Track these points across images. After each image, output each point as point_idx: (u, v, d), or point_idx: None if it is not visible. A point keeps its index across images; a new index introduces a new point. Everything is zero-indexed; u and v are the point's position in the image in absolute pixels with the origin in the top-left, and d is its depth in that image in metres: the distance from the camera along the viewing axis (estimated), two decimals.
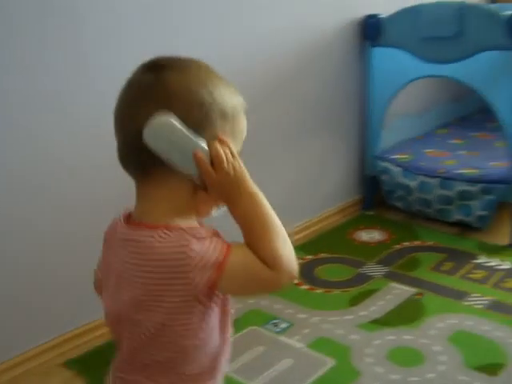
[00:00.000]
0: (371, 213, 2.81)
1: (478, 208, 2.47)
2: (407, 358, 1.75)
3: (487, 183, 2.45)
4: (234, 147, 0.82)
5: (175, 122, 0.76)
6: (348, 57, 2.65)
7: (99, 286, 0.94)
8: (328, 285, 2.18)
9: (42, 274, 1.78)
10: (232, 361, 1.01)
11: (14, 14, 1.59)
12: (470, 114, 3.46)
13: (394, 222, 2.70)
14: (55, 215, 1.77)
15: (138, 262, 0.81)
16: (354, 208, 2.83)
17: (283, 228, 0.83)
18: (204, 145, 0.79)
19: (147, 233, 0.80)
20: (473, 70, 2.41)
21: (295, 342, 1.85)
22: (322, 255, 2.41)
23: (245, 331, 1.91)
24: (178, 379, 0.87)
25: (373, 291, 2.11)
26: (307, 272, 2.27)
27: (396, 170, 2.65)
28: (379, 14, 2.61)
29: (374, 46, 2.64)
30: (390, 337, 1.84)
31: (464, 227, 2.56)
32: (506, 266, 2.26)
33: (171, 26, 1.93)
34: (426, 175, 2.56)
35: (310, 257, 2.40)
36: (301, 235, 2.53)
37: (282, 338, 1.88)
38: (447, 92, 3.29)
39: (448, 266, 2.27)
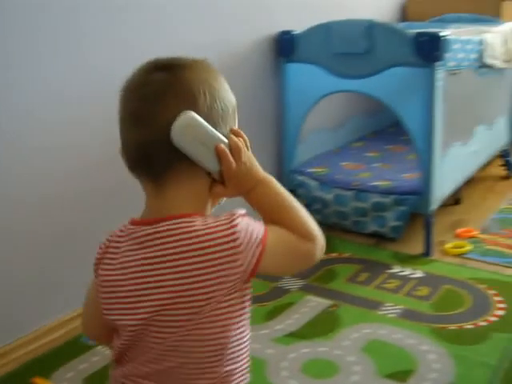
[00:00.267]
0: None
1: (391, 219, 2.54)
2: (321, 369, 1.76)
3: (399, 194, 2.53)
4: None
5: (200, 120, 0.79)
6: (263, 73, 2.68)
7: (90, 326, 0.95)
8: None
9: None
10: None
11: None
12: (385, 127, 3.57)
13: None
14: None
15: (181, 251, 0.79)
16: None
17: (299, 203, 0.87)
18: (224, 138, 0.83)
19: (181, 220, 0.80)
20: (384, 85, 2.49)
21: None
22: None
23: None
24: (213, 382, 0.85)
25: (289, 305, 2.12)
26: None
27: (312, 183, 2.69)
28: (293, 31, 2.65)
29: (289, 62, 2.69)
30: (305, 349, 1.86)
31: (379, 238, 2.62)
32: (418, 274, 2.33)
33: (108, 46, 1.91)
34: (341, 188, 2.61)
35: None
36: None
37: None
38: (362, 106, 3.38)
39: (363, 276, 2.32)
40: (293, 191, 2.80)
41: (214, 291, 0.79)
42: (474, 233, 2.73)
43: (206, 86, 0.82)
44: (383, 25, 2.46)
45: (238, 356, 0.87)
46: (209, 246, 0.78)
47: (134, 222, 0.85)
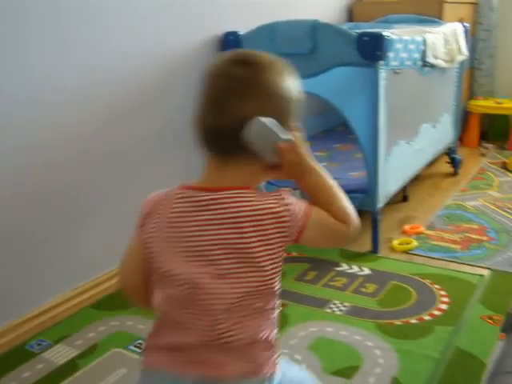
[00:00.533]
0: None
1: None
2: None
3: (346, 193, 2.52)
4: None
5: (270, 125, 0.92)
6: None
7: (129, 280, 1.03)
8: None
9: None
10: None
11: None
12: (334, 126, 3.61)
13: None
14: None
15: (241, 217, 0.92)
16: None
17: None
18: (285, 136, 0.94)
19: (240, 191, 0.94)
20: (329, 85, 2.51)
21: None
22: None
23: (107, 354, 1.86)
24: (263, 348, 0.97)
25: None
26: None
27: (260, 184, 2.69)
28: (238, 31, 2.66)
29: None
30: None
31: None
32: (365, 271, 2.36)
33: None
34: (289, 187, 2.62)
35: None
36: None
37: None
38: (310, 106, 3.39)
39: (311, 275, 2.33)
40: None
41: (264, 250, 0.93)
42: (421, 229, 2.78)
43: (280, 86, 0.94)
44: (327, 25, 2.48)
45: (275, 326, 1.01)
46: (264, 214, 0.93)
47: (190, 187, 0.99)
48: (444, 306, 2.08)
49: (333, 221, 0.99)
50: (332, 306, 2.10)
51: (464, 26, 3.46)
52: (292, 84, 0.97)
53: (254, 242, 0.93)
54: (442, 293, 2.17)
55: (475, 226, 2.81)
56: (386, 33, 2.41)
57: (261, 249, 0.93)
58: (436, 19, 3.59)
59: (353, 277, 2.31)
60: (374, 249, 2.54)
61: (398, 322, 1.99)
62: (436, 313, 2.04)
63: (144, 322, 2.03)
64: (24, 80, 1.88)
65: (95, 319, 2.07)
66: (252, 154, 0.95)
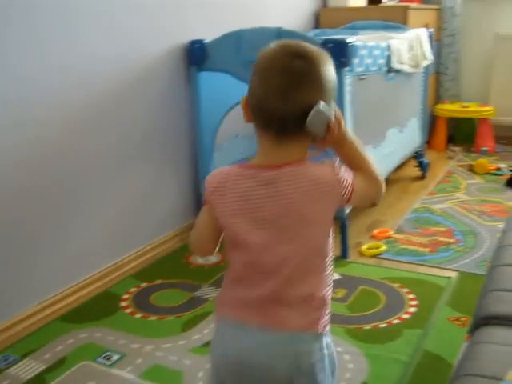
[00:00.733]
0: None
1: None
2: None
3: None
4: None
5: (324, 109, 1.06)
6: (175, 82, 2.67)
7: (203, 245, 1.19)
8: (162, 311, 2.15)
9: None
10: None
11: None
12: None
13: None
14: None
15: (302, 187, 1.07)
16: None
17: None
18: (331, 116, 1.09)
19: (299, 165, 1.08)
20: None
21: (127, 374, 1.81)
22: (158, 282, 2.38)
23: (75, 367, 1.84)
24: (318, 305, 1.11)
25: (206, 314, 2.11)
26: (142, 300, 2.24)
27: None
28: (203, 40, 2.65)
29: (201, 71, 2.68)
30: None
31: None
32: (335, 277, 2.33)
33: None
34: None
35: (144, 284, 2.36)
36: (136, 263, 2.50)
37: (114, 371, 1.82)
38: None
39: None
40: None
41: (322, 214, 1.10)
42: (390, 233, 2.80)
43: (328, 74, 1.09)
44: (291, 32, 2.49)
45: (329, 285, 1.15)
46: (322, 183, 1.08)
47: (251, 166, 1.12)
48: (412, 310, 2.09)
49: (367, 184, 1.16)
50: None
51: (428, 32, 3.51)
52: (333, 71, 1.13)
53: (313, 207, 1.08)
54: (411, 296, 2.19)
55: (443, 229, 2.84)
56: (350, 39, 2.43)
57: (320, 213, 1.10)
58: (401, 25, 3.63)
59: None
60: (343, 254, 2.55)
61: (367, 327, 1.99)
62: (405, 316, 2.05)
63: (113, 333, 2.01)
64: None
65: (64, 332, 2.04)
66: (304, 133, 1.08)
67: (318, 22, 4.05)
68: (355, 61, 2.49)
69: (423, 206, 3.20)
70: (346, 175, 1.11)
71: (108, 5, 2.26)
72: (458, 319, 2.02)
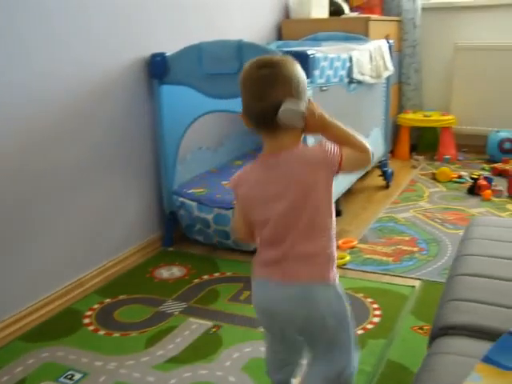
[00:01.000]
0: (172, 249, 2.81)
1: None
2: None
3: None
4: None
5: (292, 104, 1.27)
6: (137, 96, 2.65)
7: (241, 231, 1.46)
8: (125, 327, 2.12)
9: None
10: None
11: None
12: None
13: (194, 257, 2.72)
14: None
15: (298, 164, 1.31)
16: (155, 245, 2.81)
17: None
18: (304, 106, 1.31)
19: (293, 150, 1.33)
20: None
21: None
22: (121, 297, 2.35)
23: None
24: (325, 259, 1.35)
25: (170, 329, 2.09)
26: (105, 317, 2.20)
27: (192, 204, 2.68)
28: (165, 53, 2.64)
29: (162, 84, 2.67)
30: (187, 374, 1.83)
31: None
32: None
33: None
34: (221, 207, 2.62)
35: (108, 300, 2.33)
36: (99, 278, 2.46)
37: None
38: (241, 125, 3.38)
39: (245, 294, 2.32)
40: (174, 213, 2.78)
41: (321, 183, 1.32)
42: (354, 243, 2.81)
43: (294, 74, 1.32)
44: (252, 45, 2.50)
45: (334, 242, 1.37)
46: (315, 158, 1.32)
47: (259, 158, 1.37)
48: (376, 319, 2.10)
49: (356, 153, 1.35)
50: None
51: (388, 43, 3.55)
52: (300, 70, 1.36)
53: (312, 176, 1.31)
54: (375, 306, 2.20)
55: (406, 238, 2.87)
56: (311, 51, 2.45)
57: (318, 180, 1.32)
58: (362, 36, 3.68)
59: None
60: None
61: None
62: (369, 326, 2.06)
63: (75, 352, 1.97)
64: None
65: (24, 352, 1.99)
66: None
67: (280, 33, 4.07)
68: (316, 72, 2.51)
69: (387, 215, 3.22)
70: (333, 147, 1.33)
71: (66, 19, 2.24)
72: (421, 328, 2.03)
